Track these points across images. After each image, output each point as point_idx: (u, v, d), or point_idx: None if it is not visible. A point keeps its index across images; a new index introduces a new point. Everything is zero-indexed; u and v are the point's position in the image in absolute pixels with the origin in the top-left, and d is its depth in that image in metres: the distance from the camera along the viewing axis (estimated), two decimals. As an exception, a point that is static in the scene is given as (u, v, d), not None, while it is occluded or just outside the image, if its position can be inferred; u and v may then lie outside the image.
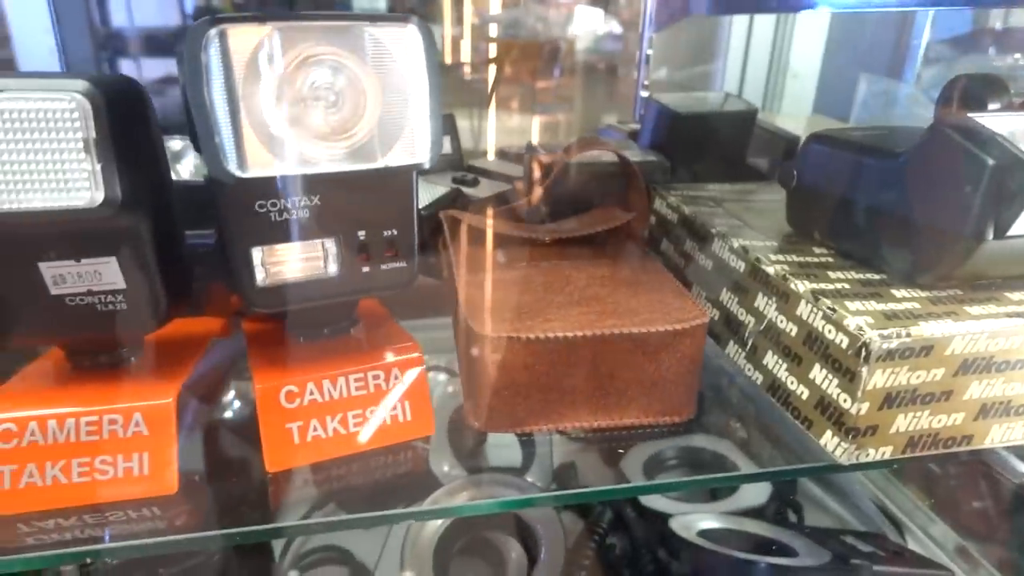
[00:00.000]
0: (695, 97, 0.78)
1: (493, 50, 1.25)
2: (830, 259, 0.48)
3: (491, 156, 0.87)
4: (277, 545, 0.71)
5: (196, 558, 0.61)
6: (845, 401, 0.40)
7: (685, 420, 0.46)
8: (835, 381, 0.40)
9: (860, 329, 0.38)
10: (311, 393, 0.41)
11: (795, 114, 1.15)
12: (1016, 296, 0.43)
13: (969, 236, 0.39)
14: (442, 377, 0.60)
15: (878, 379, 0.39)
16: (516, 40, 1.22)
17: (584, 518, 0.71)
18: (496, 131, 1.18)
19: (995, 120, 0.39)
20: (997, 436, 0.42)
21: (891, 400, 0.39)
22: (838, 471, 0.44)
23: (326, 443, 0.41)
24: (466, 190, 0.68)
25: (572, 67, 1.24)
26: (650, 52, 1.05)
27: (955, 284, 0.44)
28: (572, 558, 0.66)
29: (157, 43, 1.02)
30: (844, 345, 0.39)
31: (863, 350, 0.38)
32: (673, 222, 0.60)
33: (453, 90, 1.21)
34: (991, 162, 0.38)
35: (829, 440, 0.41)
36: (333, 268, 0.39)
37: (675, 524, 0.67)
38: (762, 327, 0.47)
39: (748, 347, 0.48)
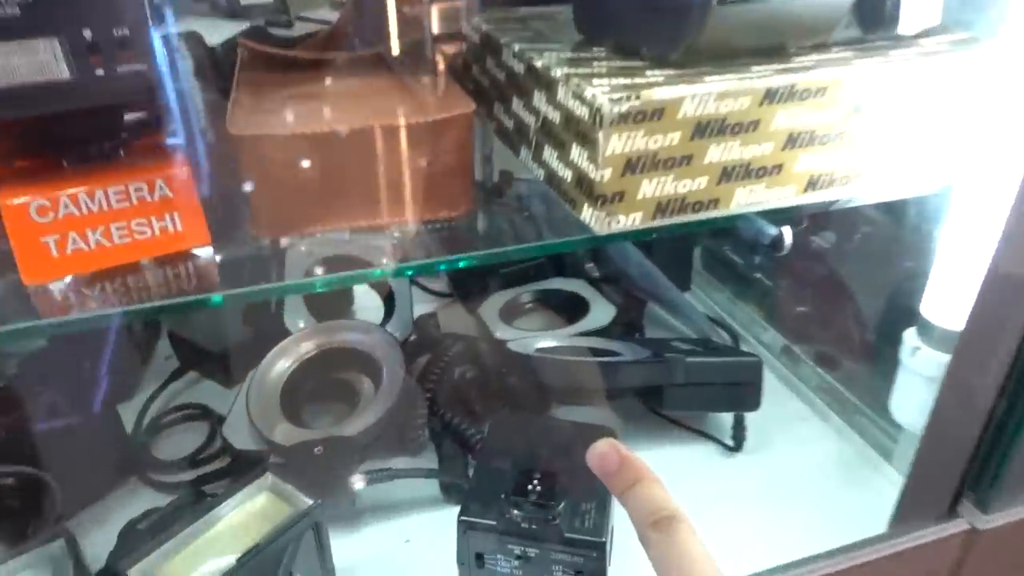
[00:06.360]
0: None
1: None
2: (602, 54, 0.49)
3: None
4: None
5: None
6: (592, 171, 0.42)
7: (463, 214, 0.48)
8: (585, 154, 0.42)
9: (594, 97, 0.40)
10: (66, 207, 0.40)
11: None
12: (757, 68, 0.44)
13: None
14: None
15: (615, 144, 0.40)
16: None
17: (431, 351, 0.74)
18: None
19: None
20: (742, 199, 0.45)
21: (632, 166, 0.41)
22: (597, 243, 0.46)
23: (89, 255, 0.41)
24: (276, 31, 0.66)
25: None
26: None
27: (704, 60, 0.45)
28: (420, 383, 0.69)
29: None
30: (586, 116, 0.41)
31: (597, 115, 0.40)
32: (476, 43, 0.60)
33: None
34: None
35: (586, 212, 0.43)
36: (59, 70, 0.38)
37: (513, 345, 0.70)
38: (539, 123, 0.48)
39: (533, 147, 0.50)
